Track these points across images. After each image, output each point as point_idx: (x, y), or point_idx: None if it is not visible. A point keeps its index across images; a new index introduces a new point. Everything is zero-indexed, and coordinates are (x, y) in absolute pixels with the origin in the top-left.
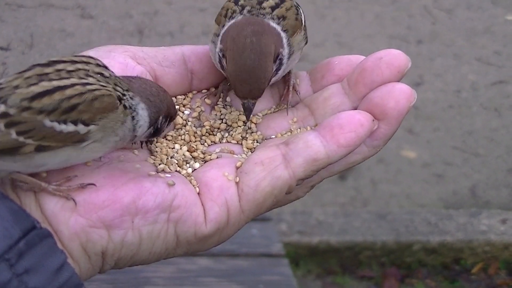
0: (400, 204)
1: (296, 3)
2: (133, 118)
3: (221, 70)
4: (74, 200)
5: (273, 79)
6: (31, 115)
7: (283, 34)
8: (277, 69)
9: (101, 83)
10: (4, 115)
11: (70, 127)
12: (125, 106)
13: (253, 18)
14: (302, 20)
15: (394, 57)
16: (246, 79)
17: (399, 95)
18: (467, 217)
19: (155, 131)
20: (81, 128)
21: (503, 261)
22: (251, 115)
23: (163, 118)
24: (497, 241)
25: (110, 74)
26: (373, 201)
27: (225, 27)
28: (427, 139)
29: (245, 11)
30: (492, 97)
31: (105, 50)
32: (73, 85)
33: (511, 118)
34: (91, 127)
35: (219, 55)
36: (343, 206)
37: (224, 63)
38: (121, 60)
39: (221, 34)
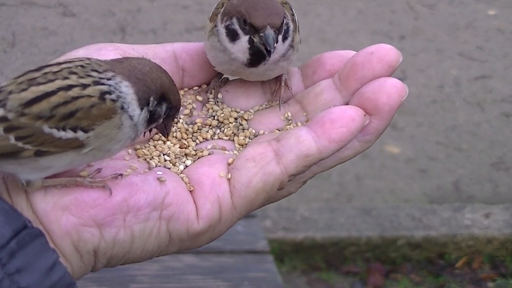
0: (385, 199)
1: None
2: (122, 107)
3: (223, 53)
4: (110, 190)
5: (280, 50)
6: (29, 120)
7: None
8: (284, 38)
9: (82, 81)
10: (3, 119)
11: (69, 134)
12: (112, 100)
13: None
14: (296, 21)
15: (385, 52)
16: (263, 5)
17: (391, 89)
18: (451, 211)
19: (152, 116)
20: (81, 134)
21: (487, 255)
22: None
23: (155, 100)
24: (481, 235)
25: (89, 63)
26: (357, 197)
27: (224, 8)
28: (410, 135)
29: None
30: (474, 92)
31: (95, 48)
32: (58, 89)
33: (493, 113)
34: (90, 133)
35: (225, 28)
36: (327, 202)
37: (236, 26)
38: (112, 57)
39: (219, 16)
